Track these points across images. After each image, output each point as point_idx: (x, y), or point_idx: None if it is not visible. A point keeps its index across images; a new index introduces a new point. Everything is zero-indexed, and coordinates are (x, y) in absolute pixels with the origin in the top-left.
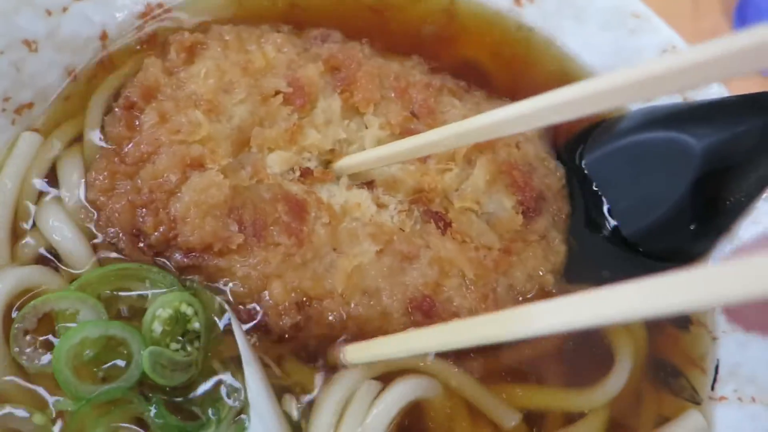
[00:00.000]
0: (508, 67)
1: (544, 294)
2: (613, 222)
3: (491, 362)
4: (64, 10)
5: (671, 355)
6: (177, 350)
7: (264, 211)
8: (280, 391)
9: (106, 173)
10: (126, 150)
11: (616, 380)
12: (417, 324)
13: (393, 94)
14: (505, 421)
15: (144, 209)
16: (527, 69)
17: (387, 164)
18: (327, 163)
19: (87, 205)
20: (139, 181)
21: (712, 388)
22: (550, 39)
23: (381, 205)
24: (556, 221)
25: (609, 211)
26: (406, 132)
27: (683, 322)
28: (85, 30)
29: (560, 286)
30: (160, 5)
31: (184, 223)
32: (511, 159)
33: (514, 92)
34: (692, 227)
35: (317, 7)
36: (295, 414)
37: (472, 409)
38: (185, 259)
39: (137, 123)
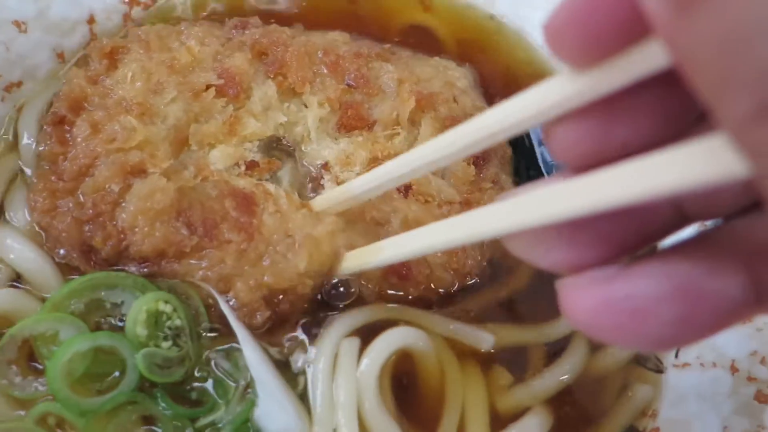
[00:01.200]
0: (481, 54)
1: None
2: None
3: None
4: None
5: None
6: (169, 347)
7: (212, 209)
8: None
9: (45, 193)
10: (62, 167)
11: None
12: (393, 287)
13: (325, 70)
14: (482, 345)
15: (90, 224)
16: (498, 57)
17: (369, 197)
18: (272, 149)
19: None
20: (81, 196)
21: (676, 356)
22: (520, 28)
23: (341, 183)
24: (502, 165)
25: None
26: (346, 105)
27: None
28: (73, 13)
29: None
30: None
31: (133, 233)
32: (452, 113)
33: (487, 81)
34: None
35: None
36: (299, 365)
37: (459, 352)
38: (141, 269)
39: (69, 137)
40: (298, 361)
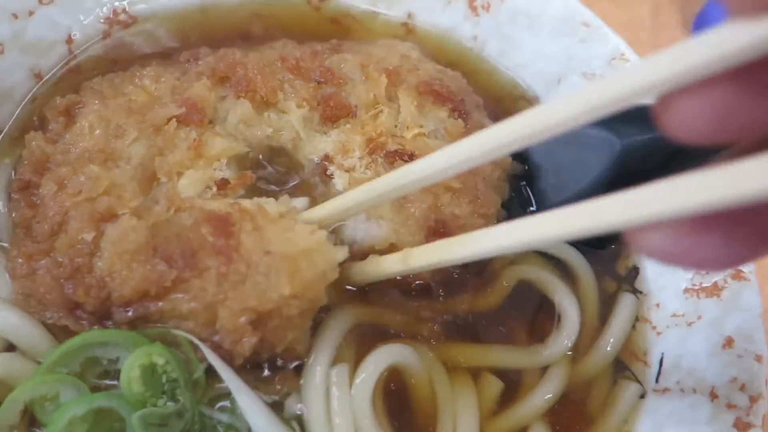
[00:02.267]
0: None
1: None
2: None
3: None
4: (30, 13)
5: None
6: (165, 403)
7: (188, 239)
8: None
9: (21, 259)
10: (35, 229)
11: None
12: None
13: (290, 75)
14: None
15: (70, 280)
16: (482, 78)
17: (359, 211)
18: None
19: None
20: (58, 255)
21: (657, 380)
22: (503, 49)
23: (349, 170)
24: (481, 111)
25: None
26: (323, 100)
27: None
28: (50, 34)
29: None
30: (124, 10)
31: (112, 279)
32: (422, 79)
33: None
34: None
35: (279, 17)
36: (297, 411)
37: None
38: (127, 314)
39: (37, 199)
40: (292, 405)
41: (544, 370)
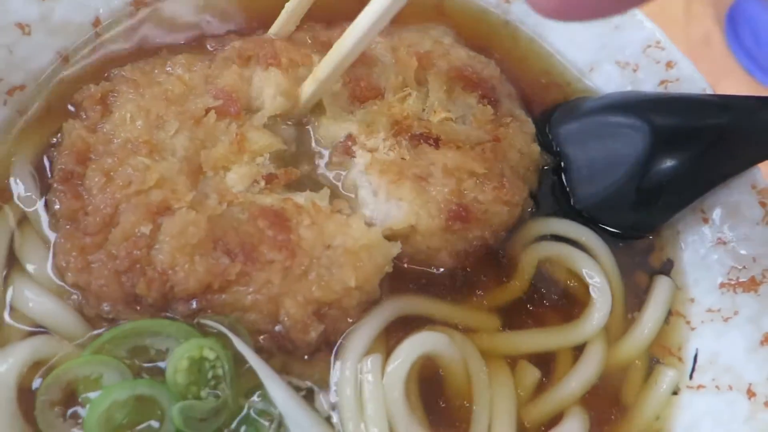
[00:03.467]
0: (497, 62)
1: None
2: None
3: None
4: None
5: (651, 346)
6: (207, 397)
7: (247, 232)
8: (307, 393)
9: (74, 252)
10: (84, 221)
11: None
12: (457, 232)
13: (317, 57)
14: (491, 325)
15: (129, 273)
16: (513, 64)
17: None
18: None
19: (68, 288)
20: (112, 248)
21: (691, 377)
22: (535, 35)
23: (372, 150)
24: (512, 100)
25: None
26: (354, 81)
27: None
28: (78, 15)
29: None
30: None
31: (175, 272)
32: (453, 64)
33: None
34: (632, 207)
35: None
36: (325, 408)
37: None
38: (190, 306)
39: (83, 190)
40: (323, 393)
41: (579, 354)
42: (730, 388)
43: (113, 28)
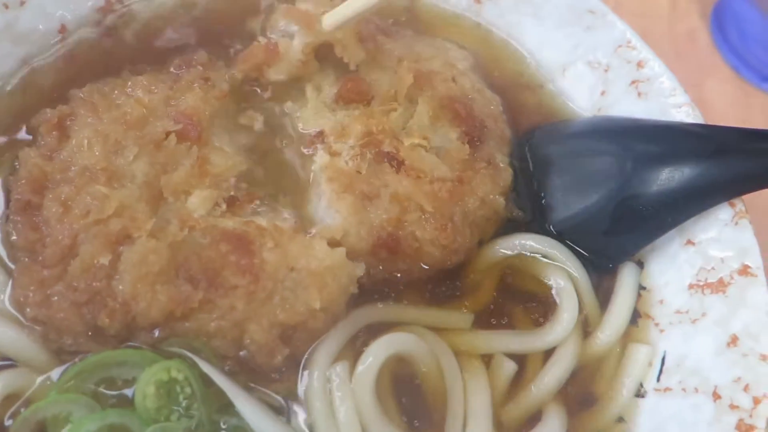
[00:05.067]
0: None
1: (496, 216)
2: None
3: None
4: (22, 3)
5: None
6: (179, 419)
7: (210, 258)
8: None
9: (33, 287)
10: (42, 254)
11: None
12: (383, 262)
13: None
14: (462, 323)
15: (89, 305)
16: (486, 67)
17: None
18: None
19: (26, 323)
20: (72, 280)
21: (658, 379)
22: (508, 37)
23: (334, 153)
24: (500, 145)
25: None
26: (344, 81)
27: (632, 318)
28: (43, 23)
29: (509, 206)
30: (119, 0)
31: (136, 302)
32: (451, 93)
33: None
34: (606, 233)
35: None
36: (303, 426)
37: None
38: (153, 335)
39: (40, 221)
40: (293, 406)
41: (550, 351)
42: (696, 390)
43: (79, 34)
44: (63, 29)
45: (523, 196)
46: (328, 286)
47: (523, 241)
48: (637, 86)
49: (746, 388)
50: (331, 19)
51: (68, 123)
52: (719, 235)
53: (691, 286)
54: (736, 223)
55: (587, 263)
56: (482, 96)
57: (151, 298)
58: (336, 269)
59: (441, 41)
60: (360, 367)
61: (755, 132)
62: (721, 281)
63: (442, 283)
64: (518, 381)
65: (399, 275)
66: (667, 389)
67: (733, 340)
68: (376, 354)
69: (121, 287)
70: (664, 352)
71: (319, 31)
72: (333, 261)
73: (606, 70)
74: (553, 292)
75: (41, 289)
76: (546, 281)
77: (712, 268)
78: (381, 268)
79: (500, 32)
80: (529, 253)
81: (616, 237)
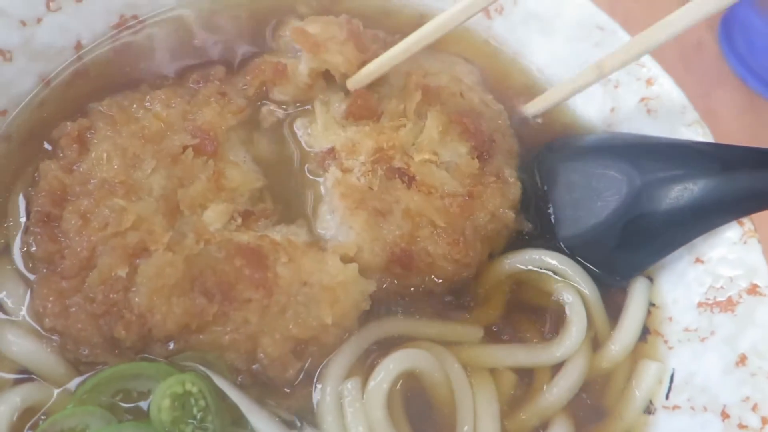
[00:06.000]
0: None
1: (506, 230)
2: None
3: None
4: (39, 21)
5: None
6: (194, 430)
7: (224, 271)
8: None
9: (51, 297)
10: (61, 265)
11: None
12: (397, 277)
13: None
14: (471, 337)
15: (106, 317)
16: (495, 82)
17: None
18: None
19: (45, 333)
20: (89, 291)
21: (667, 397)
22: (517, 53)
23: (345, 170)
24: (508, 160)
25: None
26: (354, 97)
27: (641, 334)
28: (59, 40)
29: (519, 220)
30: (133, 17)
31: (152, 314)
32: (459, 108)
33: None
34: (615, 250)
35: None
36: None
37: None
38: (168, 347)
39: (59, 233)
40: (305, 421)
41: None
42: (705, 409)
43: (95, 50)
44: (79, 46)
45: (533, 211)
46: (340, 301)
47: (533, 256)
48: (646, 103)
49: (755, 408)
50: (355, 81)
51: (88, 136)
52: (728, 253)
53: (700, 305)
54: (745, 242)
55: (596, 278)
56: (490, 110)
57: (166, 311)
58: (348, 285)
59: (447, 55)
60: (372, 383)
61: (763, 151)
62: (729, 300)
63: (452, 297)
64: (527, 393)
65: (411, 289)
66: (675, 407)
67: (742, 360)
68: (388, 370)
69: (137, 299)
70: (673, 369)
71: (326, 59)
72: (346, 277)
73: (616, 87)
74: (563, 306)
75: (60, 299)
76: (556, 296)
77: (721, 287)
78: (395, 282)
79: (509, 48)
80: (539, 269)
81: (625, 254)
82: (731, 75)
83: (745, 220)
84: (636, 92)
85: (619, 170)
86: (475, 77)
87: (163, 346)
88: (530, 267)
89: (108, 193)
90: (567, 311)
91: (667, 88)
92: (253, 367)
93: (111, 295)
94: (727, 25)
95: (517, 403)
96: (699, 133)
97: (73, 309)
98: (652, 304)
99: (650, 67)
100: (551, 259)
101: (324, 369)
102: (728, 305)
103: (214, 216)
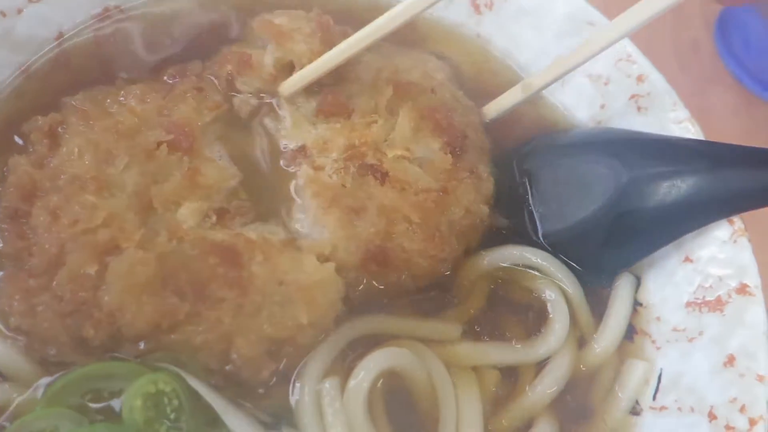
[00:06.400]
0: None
1: (481, 224)
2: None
3: None
4: (19, 12)
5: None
6: (168, 430)
7: (197, 269)
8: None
9: (18, 296)
10: (29, 262)
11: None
12: (373, 274)
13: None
14: (450, 334)
15: (75, 315)
16: (484, 78)
17: (329, 70)
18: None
19: (9, 333)
20: (58, 289)
21: (654, 398)
22: (507, 49)
23: (317, 168)
24: (480, 155)
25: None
26: (324, 94)
27: (628, 333)
28: (40, 31)
29: (493, 215)
30: (117, 7)
31: (122, 313)
32: (431, 104)
33: (476, 98)
34: (599, 247)
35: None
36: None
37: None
38: (139, 347)
39: (28, 230)
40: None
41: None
42: (692, 410)
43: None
44: (60, 36)
45: (513, 207)
46: (316, 301)
47: (513, 252)
48: (636, 100)
49: (742, 409)
50: (288, 86)
51: (59, 131)
52: (718, 252)
53: (688, 304)
54: (735, 241)
55: (580, 276)
56: (461, 106)
57: (137, 310)
58: (325, 284)
59: (419, 53)
60: (351, 383)
61: (753, 150)
62: (719, 300)
63: (431, 295)
64: (510, 391)
65: (387, 287)
66: (662, 408)
67: (730, 360)
68: (368, 369)
69: (107, 298)
70: (661, 369)
71: (291, 48)
72: (322, 276)
73: (606, 83)
74: (546, 303)
75: (26, 298)
76: (538, 293)
77: (710, 287)
78: (371, 281)
79: (499, 43)
80: (519, 266)
81: (608, 251)
82: (726, 74)
83: (735, 218)
84: (626, 89)
85: (607, 166)
86: (446, 73)
87: (134, 345)
88: (510, 264)
89: (79, 189)
90: (549, 309)
91: (657, 85)
92: (227, 367)
93: (80, 294)
94: (724, 24)
95: (500, 402)
96: (690, 131)
97: (40, 308)
98: (639, 304)
99: (641, 63)
100: (532, 256)
101: (302, 368)
102: (717, 305)
103: (187, 213)
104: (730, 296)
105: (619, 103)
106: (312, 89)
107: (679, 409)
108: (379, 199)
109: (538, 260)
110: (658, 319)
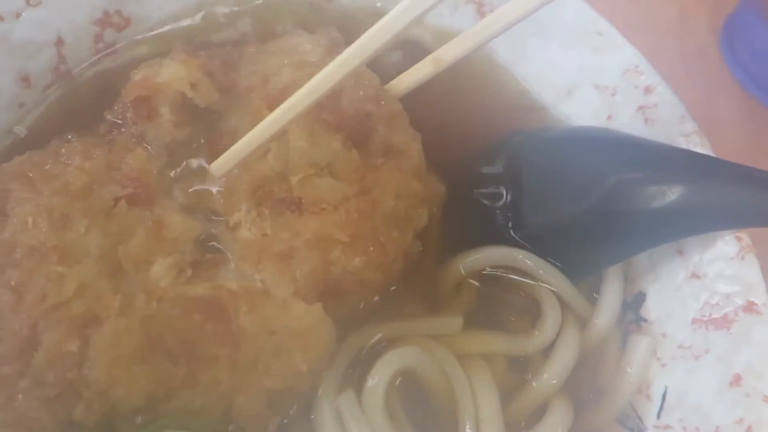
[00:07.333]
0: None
1: (419, 201)
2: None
3: None
4: (17, 15)
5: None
6: None
7: (184, 329)
8: None
9: None
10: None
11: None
12: (338, 303)
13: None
14: (452, 327)
15: (62, 399)
16: (489, 87)
17: (260, 147)
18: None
19: None
20: (37, 373)
21: (658, 416)
22: (513, 58)
23: (234, 227)
24: (391, 124)
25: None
26: (206, 135)
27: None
28: (39, 35)
29: (434, 182)
30: (116, 12)
31: (113, 389)
32: None
33: (480, 108)
34: (578, 245)
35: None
36: None
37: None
38: (136, 421)
39: None
40: None
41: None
42: (697, 430)
43: (76, 46)
44: (59, 42)
45: (491, 196)
46: (311, 345)
47: (491, 254)
48: (644, 112)
49: (748, 430)
50: (220, 165)
51: (2, 199)
52: (725, 269)
53: (694, 321)
54: (743, 258)
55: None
56: (349, 81)
57: (129, 382)
58: (317, 327)
59: (287, 39)
60: (368, 387)
61: (748, 169)
62: (725, 317)
63: (416, 300)
64: (520, 379)
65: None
66: (667, 427)
67: (736, 380)
68: (382, 372)
69: (95, 374)
70: (665, 387)
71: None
72: (313, 319)
73: (613, 94)
74: (534, 296)
75: (3, 389)
76: (525, 290)
77: (717, 304)
78: (341, 306)
79: (504, 53)
80: (500, 269)
81: (588, 249)
82: (732, 81)
83: (743, 235)
84: (634, 100)
85: (594, 164)
86: (322, 48)
87: (131, 421)
88: (490, 269)
89: (40, 261)
90: (539, 299)
91: (665, 96)
92: (230, 428)
93: (64, 374)
94: (730, 30)
95: (512, 389)
96: (697, 144)
97: (21, 396)
98: (644, 320)
99: (649, 75)
100: (516, 256)
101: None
102: (724, 322)
103: (161, 271)
104: (737, 314)
105: (626, 114)
106: (191, 145)
107: (684, 428)
108: (302, 234)
109: (521, 258)
110: (664, 335)
